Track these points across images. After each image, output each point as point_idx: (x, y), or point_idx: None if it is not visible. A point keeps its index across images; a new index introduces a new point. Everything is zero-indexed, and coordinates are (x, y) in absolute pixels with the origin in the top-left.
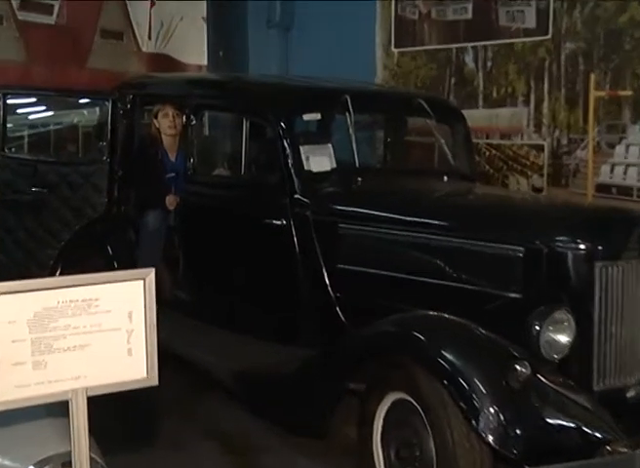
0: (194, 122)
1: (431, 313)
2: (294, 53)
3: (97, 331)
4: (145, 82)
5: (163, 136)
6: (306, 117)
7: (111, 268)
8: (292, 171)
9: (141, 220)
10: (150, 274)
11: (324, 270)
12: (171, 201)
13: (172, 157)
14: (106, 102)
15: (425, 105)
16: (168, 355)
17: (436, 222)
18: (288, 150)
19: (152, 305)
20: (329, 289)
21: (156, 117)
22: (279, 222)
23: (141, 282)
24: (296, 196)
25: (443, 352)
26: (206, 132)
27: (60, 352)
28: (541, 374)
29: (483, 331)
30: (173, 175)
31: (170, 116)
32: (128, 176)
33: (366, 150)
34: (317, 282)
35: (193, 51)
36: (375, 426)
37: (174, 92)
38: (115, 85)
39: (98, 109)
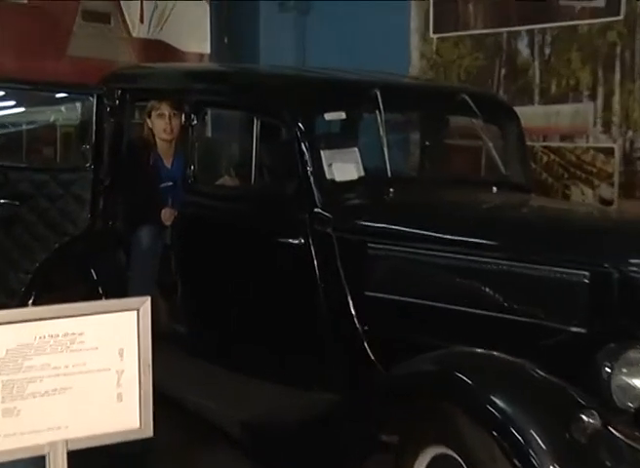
0: (195, 122)
1: (478, 350)
2: (312, 40)
3: (80, 373)
4: (137, 74)
5: (157, 139)
6: (328, 116)
7: (96, 296)
8: (311, 180)
9: (132, 238)
10: (145, 303)
11: (349, 298)
12: (167, 215)
13: (167, 163)
14: (90, 98)
15: (470, 102)
16: (164, 400)
17: (483, 242)
18: (306, 155)
19: (147, 341)
20: (355, 320)
21: (149, 116)
22: (296, 241)
23: (134, 313)
24: (316, 210)
25: (492, 397)
26: (208, 133)
27: (36, 397)
28: (613, 426)
29: (540, 373)
30: (169, 184)
31: (166, 116)
32: (116, 186)
33: (399, 155)
34: (341, 312)
35: (194, 37)
36: None
37: (171, 86)
38: (101, 77)
39: (79, 106)
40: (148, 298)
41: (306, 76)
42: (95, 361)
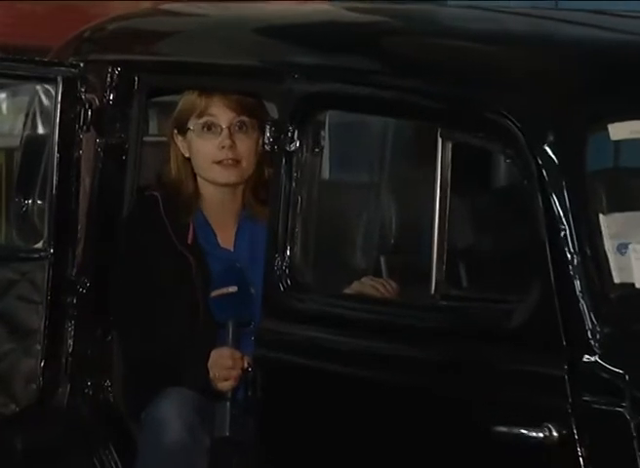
0: (295, 144)
1: None
2: None
3: None
4: (155, 30)
5: (203, 186)
6: (620, 130)
7: None
8: (575, 284)
9: (145, 422)
10: None
11: None
12: (225, 367)
13: (225, 241)
14: (45, 85)
15: None
16: None
17: None
18: (564, 224)
19: None
20: None
21: (182, 130)
22: (537, 434)
23: None
24: (586, 359)
25: None
26: (326, 171)
27: None
28: None
29: None
30: (231, 290)
31: (224, 131)
32: (105, 297)
33: None
34: None
35: None
36: None
37: (236, 58)
38: (70, 36)
39: (20, 103)
40: None
41: (558, 35)
42: None
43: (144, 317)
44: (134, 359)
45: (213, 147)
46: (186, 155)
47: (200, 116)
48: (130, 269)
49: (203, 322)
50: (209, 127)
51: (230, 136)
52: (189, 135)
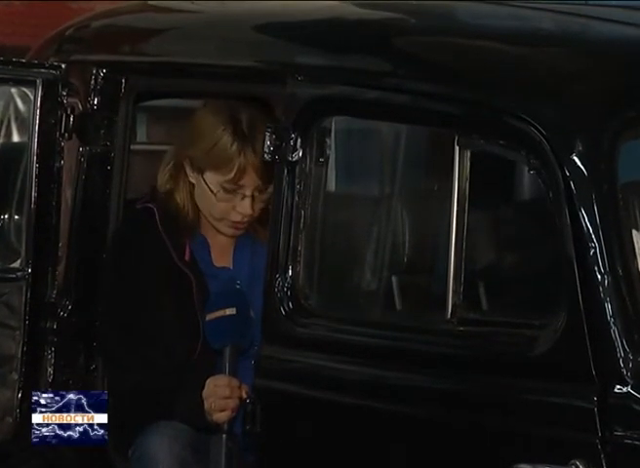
0: (297, 153)
1: None
2: None
3: None
4: (146, 27)
5: (205, 210)
6: None
7: None
8: (606, 307)
9: (132, 458)
10: None
11: None
12: (221, 396)
13: (219, 260)
14: (22, 88)
15: None
16: None
17: None
18: (594, 241)
19: None
20: None
21: (196, 168)
22: None
23: None
24: (618, 389)
25: None
26: (331, 183)
27: None
28: None
29: None
30: (228, 313)
31: (246, 199)
32: (87, 321)
33: None
34: None
35: None
36: None
37: (233, 58)
38: (51, 34)
39: None
40: None
41: (588, 34)
42: None
43: (133, 342)
44: (120, 389)
45: (229, 206)
46: (191, 179)
47: (229, 182)
48: (118, 289)
49: (199, 350)
50: (227, 162)
51: (252, 204)
52: (203, 184)
